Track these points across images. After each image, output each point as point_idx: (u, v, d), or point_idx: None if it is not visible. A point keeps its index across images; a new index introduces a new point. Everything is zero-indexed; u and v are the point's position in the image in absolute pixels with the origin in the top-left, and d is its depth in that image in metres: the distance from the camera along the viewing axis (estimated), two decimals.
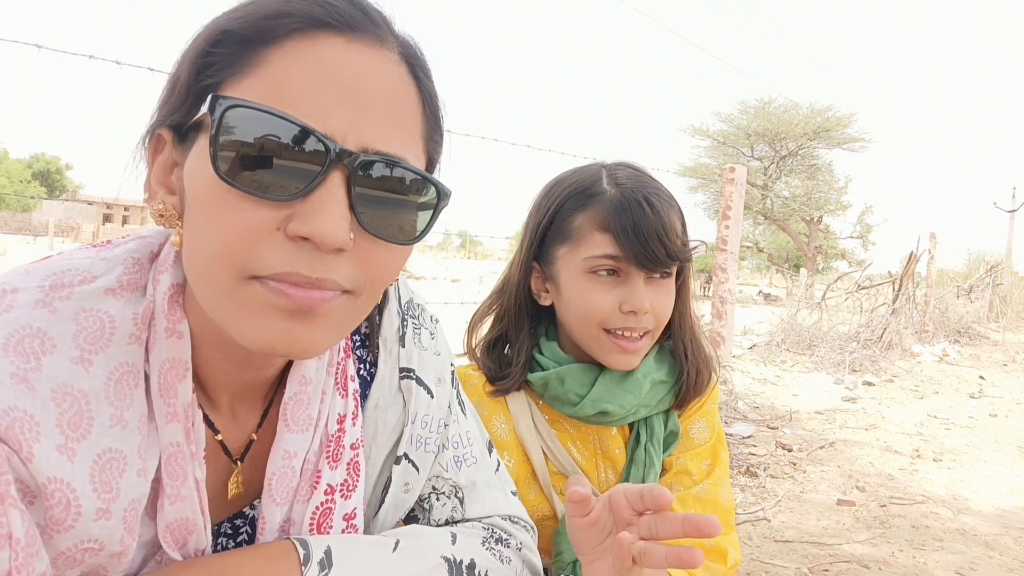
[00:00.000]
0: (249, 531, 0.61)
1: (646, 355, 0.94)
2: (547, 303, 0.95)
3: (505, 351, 0.98)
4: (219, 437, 0.56)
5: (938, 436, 3.62)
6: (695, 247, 0.92)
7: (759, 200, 22.57)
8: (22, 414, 0.43)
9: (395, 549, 0.60)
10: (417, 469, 0.67)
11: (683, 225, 0.92)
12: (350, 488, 0.60)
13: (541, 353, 0.96)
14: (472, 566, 0.63)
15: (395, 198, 0.46)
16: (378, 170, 0.45)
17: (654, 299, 0.88)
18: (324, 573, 0.55)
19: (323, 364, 0.58)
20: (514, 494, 0.78)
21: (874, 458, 3.10)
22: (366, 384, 0.65)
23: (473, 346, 1.00)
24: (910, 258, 7.08)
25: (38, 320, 0.46)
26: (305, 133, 0.42)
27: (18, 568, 0.42)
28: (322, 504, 0.58)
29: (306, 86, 0.43)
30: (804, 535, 2.16)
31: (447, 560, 0.62)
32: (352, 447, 0.60)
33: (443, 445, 0.69)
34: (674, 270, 0.91)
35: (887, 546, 2.12)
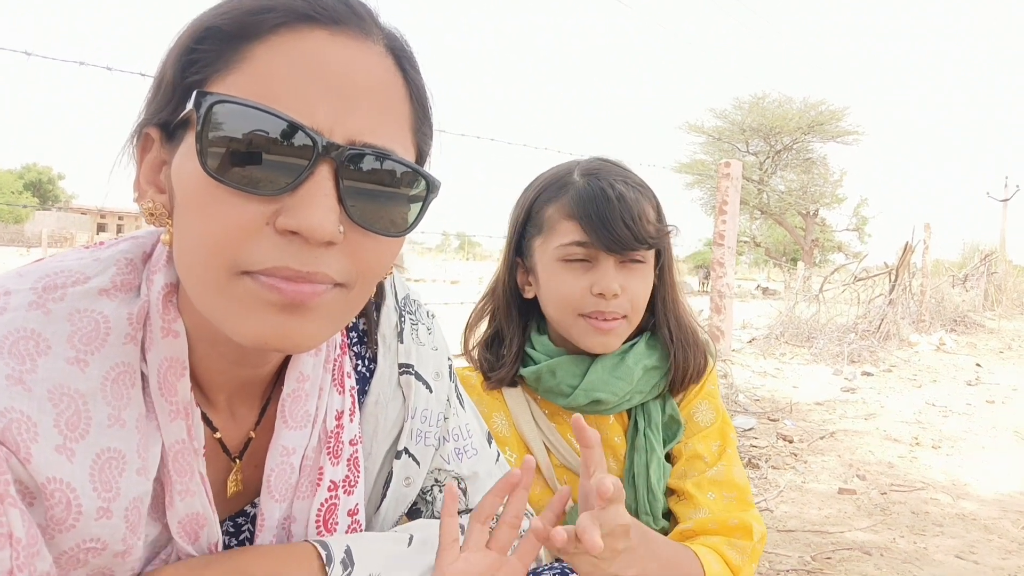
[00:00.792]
0: (251, 529, 0.61)
1: (636, 342, 0.95)
2: (531, 296, 0.97)
3: (501, 348, 0.99)
4: (217, 435, 0.56)
5: (936, 424, 3.63)
6: (668, 231, 0.93)
7: (755, 195, 22.62)
8: (19, 415, 0.44)
9: (410, 543, 0.61)
10: (418, 463, 0.67)
11: (657, 211, 0.93)
12: (352, 484, 0.61)
13: (533, 347, 0.97)
14: None
15: (384, 190, 0.46)
16: (367, 163, 0.45)
17: (627, 283, 0.89)
18: (347, 572, 0.55)
19: (320, 361, 0.58)
20: None
21: (874, 447, 3.11)
22: (365, 380, 0.65)
23: (471, 347, 1.01)
24: (905, 249, 7.10)
25: (32, 322, 0.46)
26: (291, 127, 0.42)
27: (19, 567, 0.42)
28: (327, 500, 0.59)
29: (291, 80, 0.43)
30: (806, 524, 2.17)
31: None
32: (351, 443, 0.61)
33: (443, 438, 0.70)
34: (648, 255, 0.92)
35: (888, 532, 2.13)
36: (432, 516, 0.70)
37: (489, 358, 0.98)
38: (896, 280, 6.95)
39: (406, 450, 0.66)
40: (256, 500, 0.60)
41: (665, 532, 0.93)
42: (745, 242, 25.51)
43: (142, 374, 0.50)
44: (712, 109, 23.49)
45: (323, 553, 0.55)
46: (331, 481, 0.59)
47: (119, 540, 0.48)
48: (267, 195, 0.42)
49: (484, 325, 1.02)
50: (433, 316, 0.72)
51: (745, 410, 3.55)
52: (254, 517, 0.61)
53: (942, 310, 8.50)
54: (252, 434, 0.59)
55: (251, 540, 0.61)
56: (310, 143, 0.42)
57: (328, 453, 0.59)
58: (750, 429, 3.23)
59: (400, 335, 0.66)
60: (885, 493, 2.50)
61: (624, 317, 0.90)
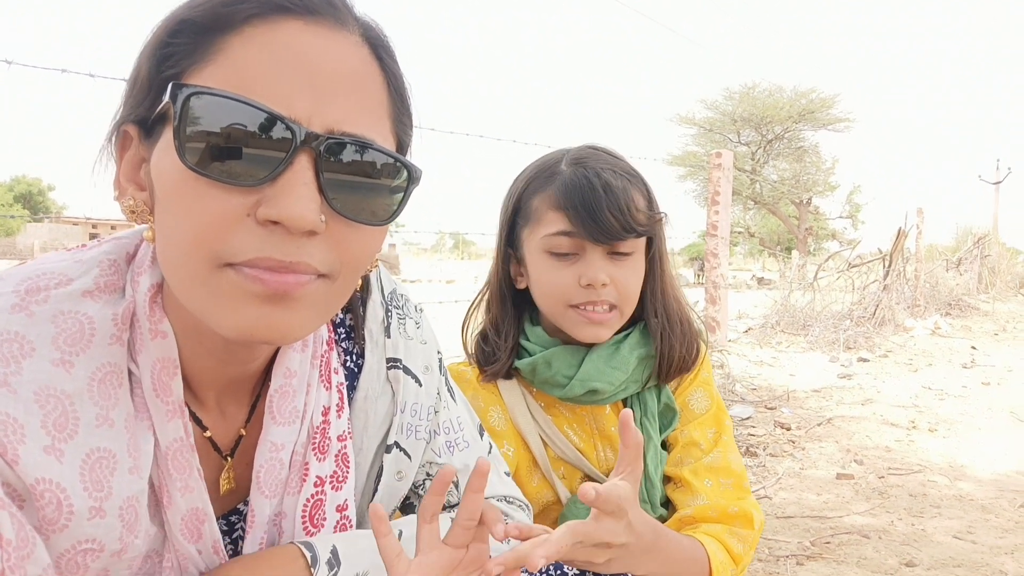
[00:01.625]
0: (243, 527, 0.61)
1: (630, 331, 0.95)
2: (522, 286, 0.97)
3: (497, 339, 0.99)
4: (208, 434, 0.56)
5: (933, 407, 3.65)
6: (659, 217, 0.92)
7: (748, 185, 22.66)
8: (4, 417, 0.43)
9: (399, 540, 0.61)
10: (409, 457, 0.67)
11: (648, 199, 0.92)
12: (340, 479, 0.61)
13: (527, 338, 0.97)
14: None
15: (365, 180, 0.46)
16: (346, 152, 0.45)
17: (616, 273, 0.88)
18: (334, 572, 0.55)
19: (307, 356, 0.58)
20: (508, 475, 0.78)
21: (871, 432, 3.13)
22: (353, 375, 0.65)
23: (467, 342, 1.01)
24: (899, 234, 7.13)
25: (15, 324, 0.46)
26: (270, 117, 0.42)
27: (11, 568, 0.42)
28: (313, 496, 0.59)
29: (267, 71, 0.43)
30: (805, 510, 2.18)
31: None
32: (339, 439, 0.61)
33: (434, 431, 0.70)
34: (638, 244, 0.91)
35: (886, 515, 2.15)
36: None
37: (485, 350, 0.98)
38: (890, 266, 6.98)
39: (396, 444, 0.66)
40: (248, 498, 0.60)
41: (663, 520, 0.94)
42: (739, 232, 25.57)
43: (130, 374, 0.50)
44: (703, 100, 23.48)
45: (308, 554, 0.55)
46: (317, 476, 0.59)
47: (115, 539, 0.48)
48: (247, 186, 0.42)
49: (481, 317, 1.02)
50: (421, 310, 0.72)
51: (742, 399, 3.56)
52: (247, 515, 0.61)
53: (937, 294, 8.54)
54: (242, 432, 0.59)
55: (243, 537, 0.61)
56: (288, 133, 0.42)
57: (314, 449, 0.59)
58: (748, 418, 3.25)
59: (387, 330, 0.66)
60: (883, 477, 2.51)
61: (615, 308, 0.90)
